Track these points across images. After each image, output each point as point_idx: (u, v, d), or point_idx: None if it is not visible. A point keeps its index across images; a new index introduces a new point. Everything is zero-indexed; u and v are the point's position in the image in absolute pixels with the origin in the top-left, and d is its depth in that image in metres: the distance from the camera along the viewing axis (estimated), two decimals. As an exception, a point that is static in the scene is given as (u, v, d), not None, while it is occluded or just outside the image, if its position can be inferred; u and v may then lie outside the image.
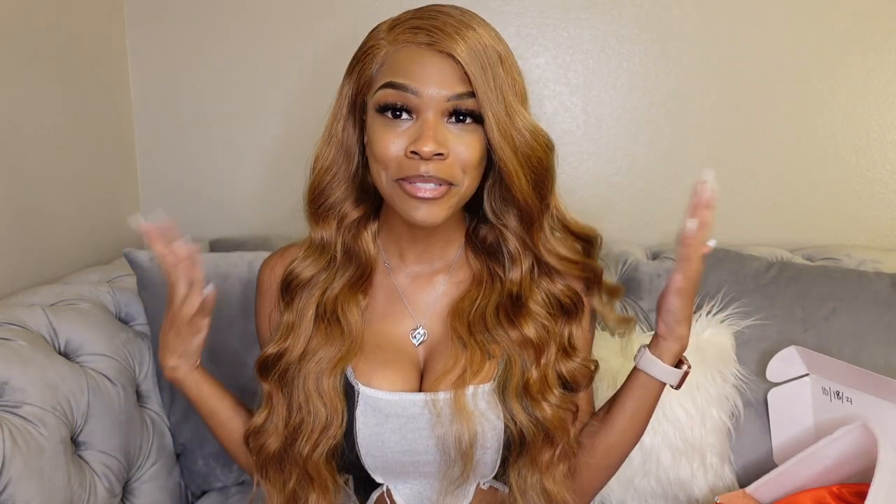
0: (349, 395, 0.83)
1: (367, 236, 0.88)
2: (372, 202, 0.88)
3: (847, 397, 1.13)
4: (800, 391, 1.19)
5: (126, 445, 1.09)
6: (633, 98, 1.56)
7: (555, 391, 0.84)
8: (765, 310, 1.26)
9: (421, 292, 0.90)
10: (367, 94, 0.80)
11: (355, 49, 0.84)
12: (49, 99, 1.31)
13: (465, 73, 0.75)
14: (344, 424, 0.82)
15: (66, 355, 1.07)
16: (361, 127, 0.83)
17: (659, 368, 0.87)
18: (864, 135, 1.54)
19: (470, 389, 0.81)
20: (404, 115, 0.77)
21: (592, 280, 0.89)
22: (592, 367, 0.90)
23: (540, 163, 0.81)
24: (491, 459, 0.83)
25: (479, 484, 0.86)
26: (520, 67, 0.82)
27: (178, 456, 1.24)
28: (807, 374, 1.19)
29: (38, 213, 1.28)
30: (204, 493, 1.28)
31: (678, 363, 0.88)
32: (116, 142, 1.55)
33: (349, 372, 0.84)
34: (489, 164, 0.81)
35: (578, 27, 1.54)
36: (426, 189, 0.76)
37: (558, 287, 0.87)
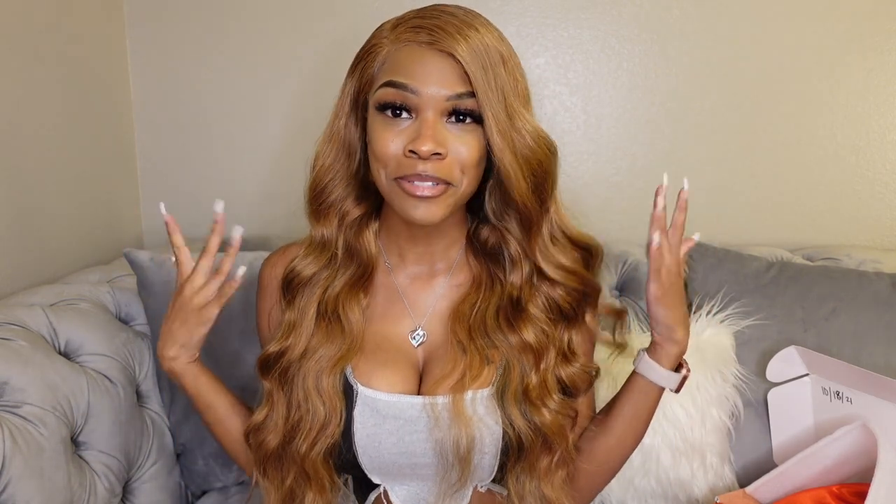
0: (348, 394, 0.83)
1: (369, 235, 0.88)
2: (374, 200, 0.88)
3: (847, 397, 1.13)
4: (800, 391, 1.19)
5: (126, 445, 1.09)
6: (633, 98, 1.56)
7: (554, 396, 0.83)
8: (765, 310, 1.26)
9: (421, 293, 0.90)
10: (368, 93, 0.80)
11: (355, 49, 0.84)
12: (49, 99, 1.31)
13: (466, 72, 0.75)
14: (342, 423, 0.82)
15: (66, 355, 1.07)
16: (363, 125, 0.82)
17: (657, 373, 0.86)
18: (864, 135, 1.54)
19: (469, 394, 0.81)
20: (404, 114, 0.77)
21: (590, 295, 0.88)
22: (593, 373, 0.90)
23: (540, 165, 0.80)
24: (489, 464, 0.83)
25: (476, 487, 0.86)
26: (524, 69, 0.82)
27: (178, 456, 1.24)
28: (807, 374, 1.19)
29: (38, 213, 1.28)
30: (204, 493, 1.28)
31: (678, 367, 0.88)
32: (116, 142, 1.55)
33: (348, 371, 0.84)
34: (490, 164, 0.81)
35: (578, 27, 1.54)
36: (424, 187, 0.76)
37: (559, 292, 0.86)
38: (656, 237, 0.82)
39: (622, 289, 1.42)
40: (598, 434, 0.91)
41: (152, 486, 1.15)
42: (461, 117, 0.77)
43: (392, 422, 0.82)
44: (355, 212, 0.87)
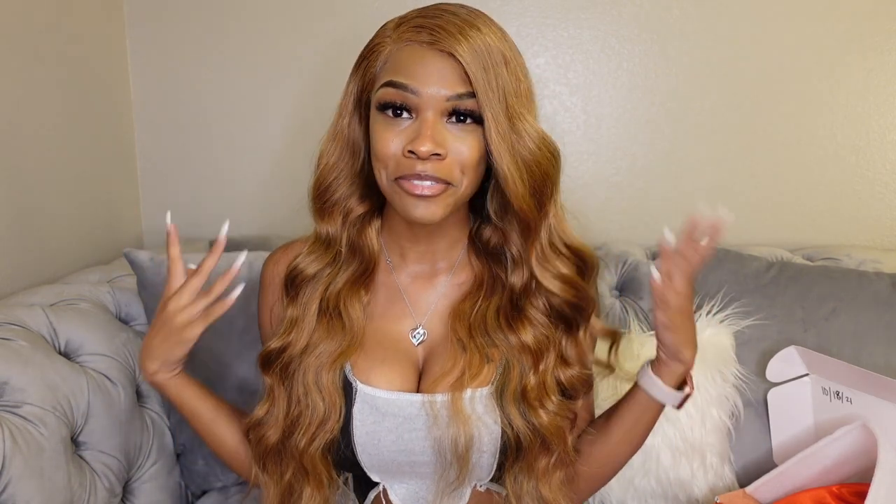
0: (347, 392, 0.83)
1: (371, 232, 0.88)
2: (377, 198, 0.87)
3: (847, 397, 1.13)
4: (800, 391, 1.19)
5: (126, 445, 1.09)
6: (633, 98, 1.56)
7: (553, 398, 0.83)
8: (765, 310, 1.26)
9: (422, 292, 0.90)
10: (371, 92, 0.80)
11: (355, 49, 0.84)
12: (49, 99, 1.31)
13: (466, 73, 0.75)
14: (341, 420, 0.82)
15: (66, 355, 1.07)
16: (366, 124, 0.82)
17: (659, 389, 0.86)
18: (864, 135, 1.54)
19: (468, 393, 0.81)
20: (405, 114, 0.77)
21: (584, 310, 0.86)
22: (592, 377, 0.89)
23: (539, 168, 0.79)
24: (487, 463, 0.83)
25: (475, 486, 0.86)
26: (528, 69, 0.81)
27: (178, 456, 1.24)
28: (807, 374, 1.19)
29: (38, 213, 1.28)
30: (204, 492, 1.28)
31: (682, 383, 0.87)
32: (116, 142, 1.55)
33: (347, 369, 0.84)
34: (491, 165, 0.81)
35: (578, 27, 1.54)
36: (424, 187, 0.76)
37: (555, 300, 0.86)
38: (654, 272, 0.80)
39: (622, 289, 1.42)
40: (595, 439, 0.91)
41: (152, 486, 1.15)
42: (461, 118, 0.77)
43: (391, 419, 0.82)
44: (359, 209, 0.87)
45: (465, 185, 0.79)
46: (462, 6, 0.79)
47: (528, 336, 0.84)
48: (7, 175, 1.20)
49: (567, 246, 0.85)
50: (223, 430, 0.92)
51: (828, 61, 1.52)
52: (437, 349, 0.87)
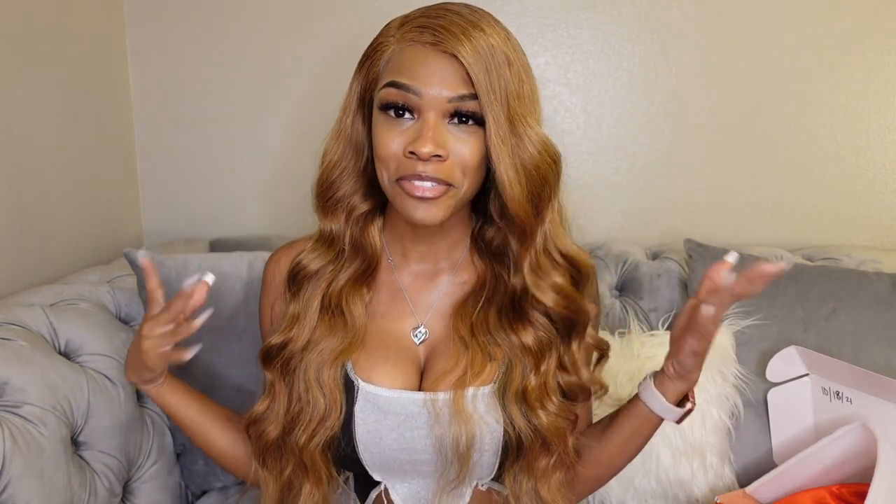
0: (349, 390, 0.83)
1: (374, 230, 0.88)
2: (381, 197, 0.87)
3: (847, 397, 1.13)
4: (800, 391, 1.19)
5: (126, 445, 1.09)
6: (633, 98, 1.56)
7: (553, 399, 0.83)
8: (765, 310, 1.26)
9: (423, 291, 0.90)
10: (374, 91, 0.80)
11: (356, 49, 0.84)
12: (49, 99, 1.31)
13: (468, 74, 0.75)
14: (342, 417, 0.82)
15: (66, 355, 1.07)
16: (370, 123, 0.82)
17: (659, 404, 0.85)
18: (864, 135, 1.54)
19: (470, 391, 0.81)
20: (406, 115, 0.77)
21: (577, 323, 0.85)
22: (590, 387, 0.89)
23: (538, 172, 0.79)
24: (488, 462, 0.83)
25: (476, 485, 0.86)
26: (532, 70, 0.80)
27: (178, 456, 1.24)
28: (807, 374, 1.19)
29: (38, 213, 1.28)
30: (204, 492, 1.28)
31: (683, 398, 0.86)
32: (116, 142, 1.55)
33: (349, 367, 0.84)
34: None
35: (578, 27, 1.54)
36: (425, 188, 0.76)
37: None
38: (709, 308, 0.75)
39: (622, 289, 1.42)
40: (592, 444, 0.91)
41: (152, 486, 1.15)
42: (463, 119, 0.76)
43: (393, 417, 0.82)
44: (362, 207, 0.87)
45: (466, 186, 0.78)
46: (466, 6, 0.79)
47: (529, 337, 0.83)
48: (7, 175, 1.20)
49: (562, 254, 0.84)
50: (212, 435, 0.92)
51: (828, 61, 1.52)
52: (439, 348, 0.87)
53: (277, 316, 0.91)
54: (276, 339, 0.85)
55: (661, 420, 0.87)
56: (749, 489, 1.09)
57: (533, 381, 0.82)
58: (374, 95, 0.80)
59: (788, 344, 1.19)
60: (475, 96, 0.75)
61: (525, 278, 0.83)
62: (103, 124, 1.49)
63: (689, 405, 0.86)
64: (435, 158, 0.75)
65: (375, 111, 0.79)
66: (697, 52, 1.53)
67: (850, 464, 1.05)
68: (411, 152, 0.75)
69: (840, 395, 1.14)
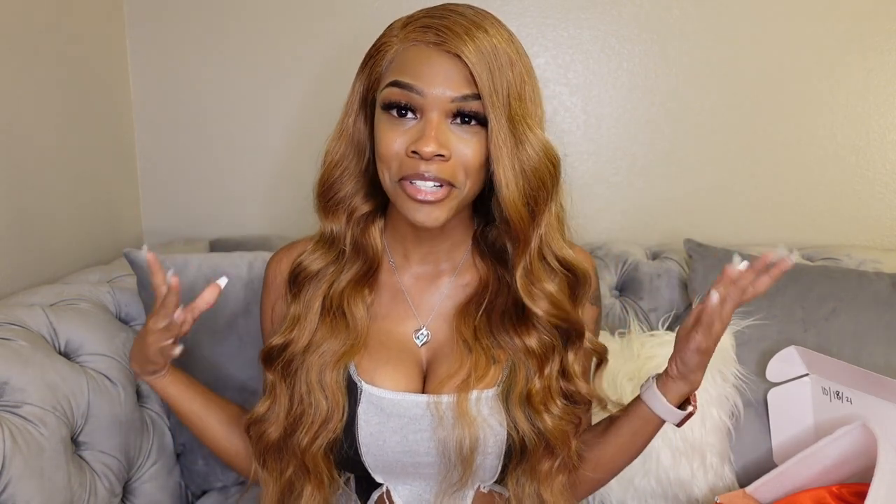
0: (352, 392, 0.83)
1: (375, 231, 0.88)
2: (382, 198, 0.87)
3: (847, 397, 1.13)
4: (800, 391, 1.19)
5: (126, 445, 1.09)
6: (633, 98, 1.56)
7: (557, 402, 0.83)
8: (765, 310, 1.26)
9: (425, 293, 0.90)
10: (376, 91, 0.80)
11: (355, 49, 0.84)
12: (49, 99, 1.31)
13: (472, 74, 0.74)
14: (344, 419, 0.82)
15: (66, 355, 1.07)
16: (372, 123, 0.82)
17: (662, 406, 0.85)
18: (864, 135, 1.54)
19: (473, 394, 0.81)
20: (409, 115, 0.77)
21: (570, 333, 0.84)
22: (586, 395, 0.88)
23: (536, 175, 0.78)
24: (491, 465, 0.83)
25: (478, 488, 0.86)
26: (535, 72, 0.80)
27: (178, 456, 1.24)
28: (807, 374, 1.19)
29: (38, 213, 1.28)
30: (204, 492, 1.28)
31: (685, 401, 0.86)
32: (116, 142, 1.55)
33: (352, 369, 0.84)
34: None
35: (578, 27, 1.54)
36: (426, 191, 0.76)
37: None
38: (715, 296, 0.77)
39: (622, 289, 1.42)
40: (593, 445, 0.91)
41: (152, 486, 1.15)
42: (466, 119, 0.76)
43: (396, 420, 0.82)
44: (363, 208, 0.86)
45: (468, 187, 0.78)
46: (470, 7, 0.79)
47: (532, 340, 0.83)
48: (7, 175, 1.20)
49: (558, 259, 0.83)
50: (213, 429, 0.92)
51: (828, 61, 1.52)
52: (442, 350, 0.86)
53: (278, 316, 0.91)
54: (277, 341, 0.85)
55: (662, 422, 0.87)
56: (749, 489, 1.09)
57: (537, 384, 0.82)
58: (377, 95, 0.79)
59: (788, 344, 1.19)
60: (478, 96, 0.75)
61: (517, 282, 0.82)
62: (103, 124, 1.49)
63: (690, 408, 0.86)
64: (438, 158, 0.75)
65: (378, 111, 0.79)
66: (697, 52, 1.53)
67: (850, 464, 1.05)
68: (414, 152, 0.75)
69: (840, 395, 1.14)
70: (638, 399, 0.88)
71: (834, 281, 1.28)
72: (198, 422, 0.92)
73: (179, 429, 1.22)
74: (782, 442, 1.21)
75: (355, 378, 0.83)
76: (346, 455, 0.83)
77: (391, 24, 0.81)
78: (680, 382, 0.84)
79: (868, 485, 0.95)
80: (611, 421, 0.91)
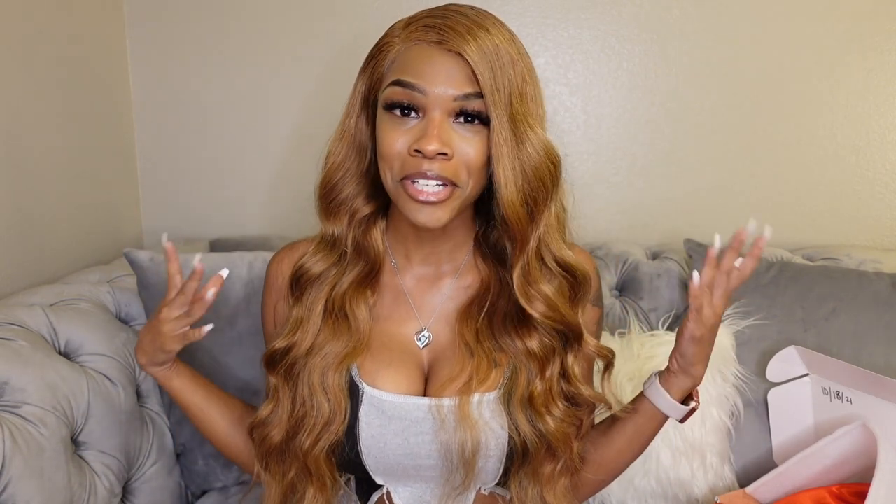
0: (353, 394, 0.83)
1: (377, 233, 0.88)
2: (383, 199, 0.87)
3: (847, 397, 1.13)
4: (800, 391, 1.19)
5: (126, 445, 1.09)
6: (633, 98, 1.56)
7: (559, 404, 0.83)
8: (765, 310, 1.26)
9: (426, 294, 0.89)
10: (378, 91, 0.80)
11: (355, 49, 0.84)
12: (49, 99, 1.31)
13: (474, 73, 0.74)
14: (346, 421, 0.82)
15: (66, 355, 1.07)
16: (374, 123, 0.82)
17: (664, 401, 0.85)
18: (864, 135, 1.54)
19: (475, 397, 0.81)
20: (412, 114, 0.77)
21: (568, 335, 0.84)
22: (588, 398, 0.88)
23: (536, 174, 0.78)
24: (493, 468, 0.83)
25: (479, 490, 0.86)
26: (536, 72, 0.80)
27: (178, 456, 1.24)
28: (807, 374, 1.19)
29: (38, 213, 1.28)
30: (204, 492, 1.28)
31: (688, 397, 0.86)
32: (116, 142, 1.55)
33: (354, 371, 0.83)
34: None
35: (578, 27, 1.54)
36: (428, 192, 0.76)
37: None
38: (696, 275, 0.78)
39: (622, 289, 1.42)
40: (597, 445, 0.91)
41: (152, 486, 1.15)
42: (469, 118, 0.76)
43: (398, 423, 0.82)
44: (366, 209, 0.86)
45: (470, 186, 0.78)
46: (471, 7, 0.79)
47: (533, 342, 0.83)
48: (7, 175, 1.20)
49: (557, 261, 0.83)
50: (215, 422, 0.92)
51: (828, 61, 1.52)
52: (444, 353, 0.86)
53: (280, 317, 0.90)
54: (279, 344, 0.85)
55: (666, 418, 0.87)
56: (749, 489, 1.09)
57: (539, 386, 0.82)
58: (379, 95, 0.79)
59: (788, 344, 1.19)
60: (480, 95, 0.75)
61: (514, 283, 0.82)
62: (103, 124, 1.49)
63: (693, 403, 0.86)
64: (440, 157, 0.75)
65: (380, 111, 0.79)
66: (697, 52, 1.53)
67: (850, 464, 1.05)
68: (416, 150, 0.75)
69: (840, 395, 1.14)
70: (641, 396, 0.88)
71: (834, 281, 1.28)
72: (200, 415, 0.92)
73: (179, 429, 1.22)
74: (782, 442, 1.21)
75: (357, 380, 0.83)
76: (347, 457, 0.83)
77: (393, 25, 0.81)
78: (682, 377, 0.84)
79: (868, 485, 0.95)
80: (613, 420, 0.91)
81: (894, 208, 1.56)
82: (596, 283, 0.90)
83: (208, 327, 0.85)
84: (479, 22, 0.77)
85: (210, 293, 0.81)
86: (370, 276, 0.88)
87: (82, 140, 1.41)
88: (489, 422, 0.81)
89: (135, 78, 1.58)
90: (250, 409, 0.95)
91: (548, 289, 0.82)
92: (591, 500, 1.22)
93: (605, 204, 1.60)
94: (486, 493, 0.87)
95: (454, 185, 0.77)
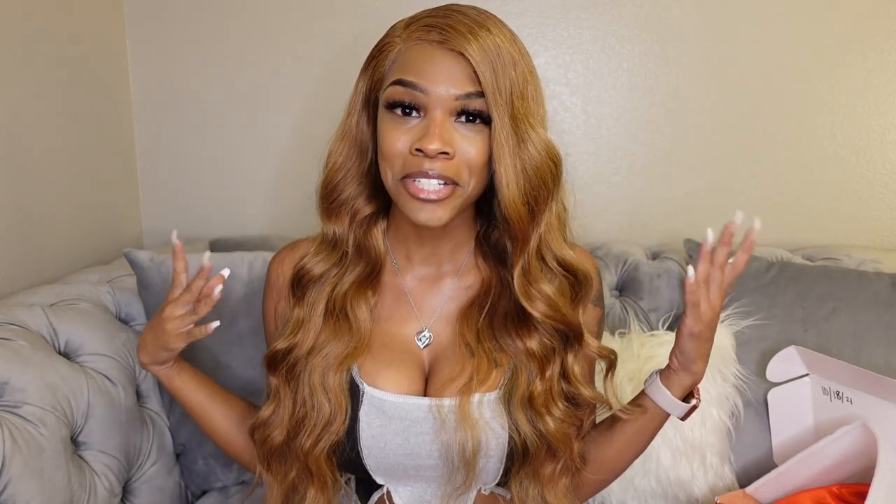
0: (354, 393, 0.83)
1: (378, 233, 0.88)
2: (384, 199, 0.87)
3: (847, 397, 1.13)
4: (800, 391, 1.19)
5: (126, 445, 1.09)
6: (633, 98, 1.56)
7: (559, 404, 0.83)
8: (765, 310, 1.26)
9: (427, 294, 0.89)
10: (379, 91, 0.80)
11: (356, 49, 0.84)
12: (49, 99, 1.31)
13: (475, 72, 0.74)
14: (347, 421, 0.82)
15: (66, 355, 1.07)
16: (375, 123, 0.82)
17: (665, 399, 0.85)
18: (864, 135, 1.54)
19: (476, 397, 0.81)
20: (413, 113, 0.77)
21: (569, 335, 0.84)
22: (588, 398, 0.88)
23: (537, 174, 0.78)
24: (494, 468, 0.83)
25: (480, 490, 0.86)
26: (536, 72, 0.80)
27: (178, 456, 1.24)
28: (807, 374, 1.19)
29: (38, 213, 1.28)
30: (204, 492, 1.28)
31: (689, 395, 0.87)
32: (116, 142, 1.55)
33: (354, 371, 0.83)
34: None
35: (578, 27, 1.54)
36: (430, 190, 0.76)
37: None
38: (691, 270, 0.79)
39: (622, 289, 1.42)
40: (598, 444, 0.91)
41: (152, 486, 1.15)
42: (470, 117, 0.76)
43: (398, 423, 0.82)
44: (367, 209, 0.86)
45: (472, 185, 0.78)
46: (472, 7, 0.79)
47: (533, 343, 0.83)
48: (7, 175, 1.20)
49: (558, 260, 0.83)
50: (217, 421, 0.93)
51: (828, 61, 1.52)
52: (445, 353, 0.86)
53: (281, 317, 0.91)
54: (281, 345, 0.85)
55: (667, 416, 0.88)
56: (749, 489, 1.09)
57: (539, 386, 0.82)
58: (380, 95, 0.79)
59: (788, 344, 1.19)
60: (482, 94, 0.75)
61: (514, 283, 0.81)
62: (103, 124, 1.49)
63: (694, 401, 0.87)
64: (442, 156, 0.75)
65: (381, 110, 0.79)
66: (697, 52, 1.53)
67: (850, 464, 1.05)
68: (418, 149, 0.74)
69: (840, 395, 1.14)
70: (642, 394, 0.88)
71: (834, 281, 1.28)
72: (202, 413, 0.93)
73: (179, 429, 1.22)
74: (782, 442, 1.21)
75: (357, 380, 0.83)
76: (347, 457, 0.83)
77: (394, 25, 0.81)
78: (682, 374, 0.84)
79: (868, 485, 0.95)
80: (614, 419, 0.91)
81: (894, 208, 1.56)
82: (597, 283, 0.90)
83: (215, 324, 0.85)
84: (481, 21, 0.77)
85: (217, 290, 0.82)
86: (371, 277, 0.88)
87: (82, 140, 1.41)
88: (489, 422, 0.81)
89: (135, 78, 1.58)
90: (252, 407, 0.95)
91: (548, 288, 0.82)
92: (591, 499, 1.22)
93: (605, 204, 1.60)
94: (486, 493, 0.87)
95: (455, 184, 0.77)
